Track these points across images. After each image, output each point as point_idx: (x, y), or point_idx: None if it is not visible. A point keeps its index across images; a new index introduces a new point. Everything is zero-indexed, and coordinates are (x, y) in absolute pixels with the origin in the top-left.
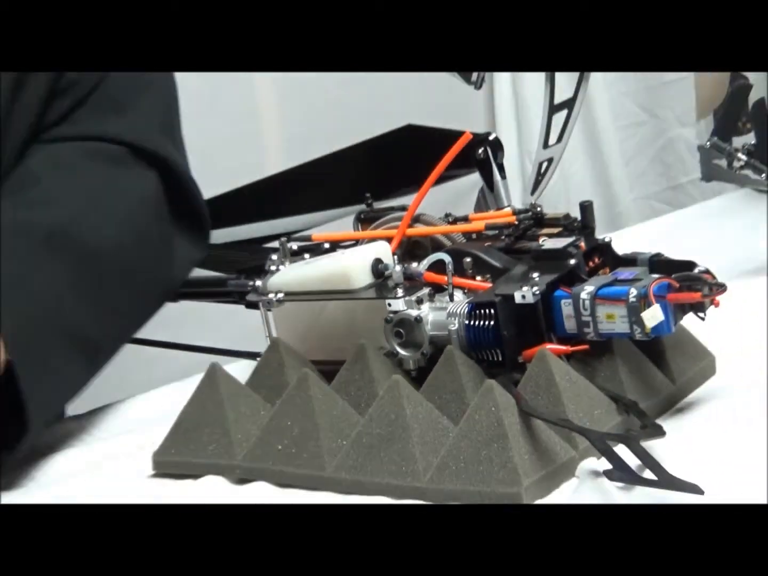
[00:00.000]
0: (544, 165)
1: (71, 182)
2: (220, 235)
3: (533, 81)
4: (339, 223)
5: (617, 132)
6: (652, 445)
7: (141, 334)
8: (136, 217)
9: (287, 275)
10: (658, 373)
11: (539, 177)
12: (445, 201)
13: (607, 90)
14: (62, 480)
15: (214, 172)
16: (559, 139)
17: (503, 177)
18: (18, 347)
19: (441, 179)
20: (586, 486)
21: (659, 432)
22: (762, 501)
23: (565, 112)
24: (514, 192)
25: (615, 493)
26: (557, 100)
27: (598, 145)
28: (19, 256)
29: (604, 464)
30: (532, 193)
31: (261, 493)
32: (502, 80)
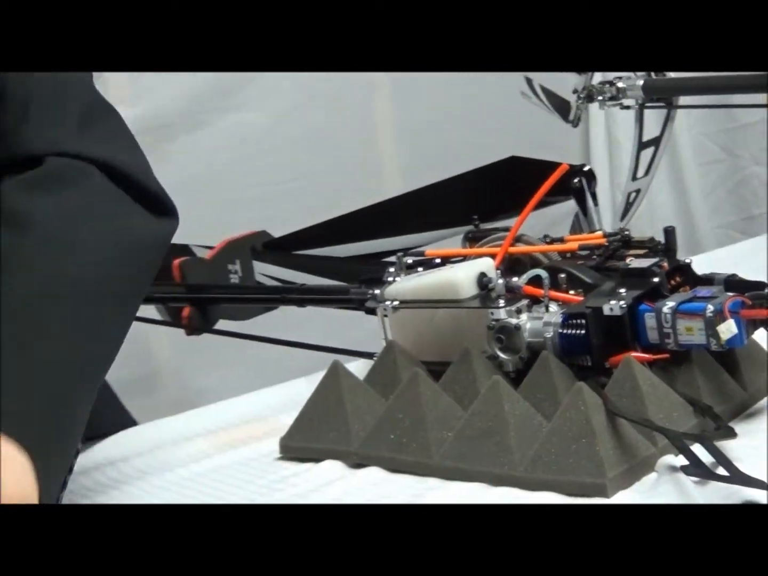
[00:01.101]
0: (632, 195)
1: (80, 225)
2: (344, 250)
3: (625, 120)
4: (449, 241)
5: (698, 168)
6: (725, 445)
7: (273, 334)
8: (122, 232)
9: (402, 285)
10: (731, 380)
11: (628, 206)
12: (544, 224)
13: (690, 131)
14: (196, 461)
15: (342, 195)
16: (647, 172)
17: (596, 204)
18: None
19: (540, 205)
20: (665, 480)
21: (731, 433)
22: None
23: (652, 149)
24: (606, 219)
25: (690, 487)
26: (645, 138)
27: (681, 179)
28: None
29: (682, 461)
30: (621, 219)
31: (374, 477)
32: (597, 119)
